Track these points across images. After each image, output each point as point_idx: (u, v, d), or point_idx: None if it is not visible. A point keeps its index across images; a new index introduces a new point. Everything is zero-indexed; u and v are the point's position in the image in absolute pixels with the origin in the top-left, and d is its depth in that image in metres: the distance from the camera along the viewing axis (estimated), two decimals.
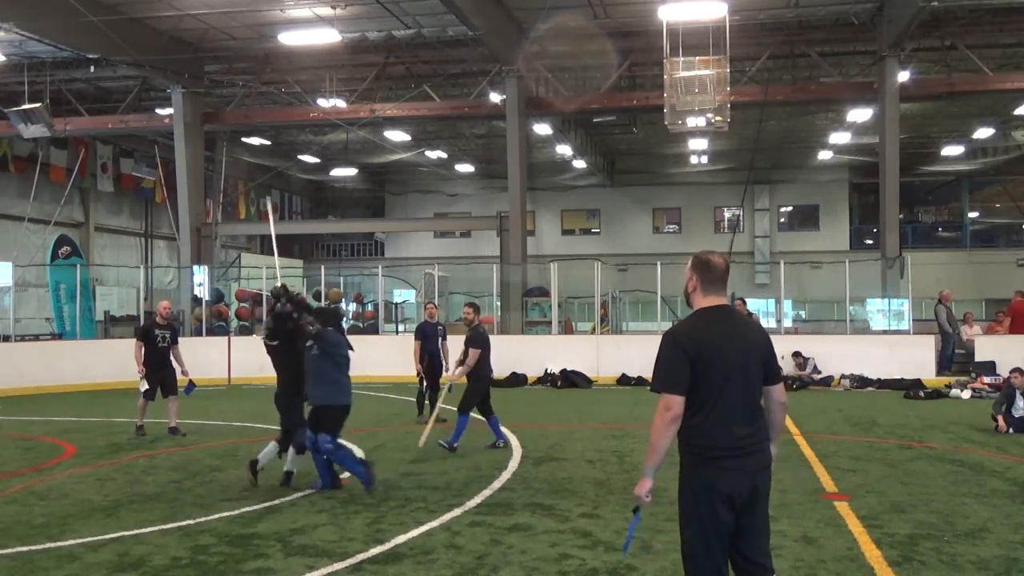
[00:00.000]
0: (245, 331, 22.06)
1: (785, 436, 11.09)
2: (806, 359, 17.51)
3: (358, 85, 23.60)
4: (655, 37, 18.24)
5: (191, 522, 6.77)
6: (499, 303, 21.62)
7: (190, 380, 11.45)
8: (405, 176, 40.06)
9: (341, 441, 7.89)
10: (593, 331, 22.71)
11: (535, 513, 6.99)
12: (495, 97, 23.13)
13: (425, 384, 12.31)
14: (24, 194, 24.93)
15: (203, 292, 22.76)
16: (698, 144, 30.61)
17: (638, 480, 3.79)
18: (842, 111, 26.40)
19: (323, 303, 22.38)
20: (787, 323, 22.13)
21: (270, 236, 10.20)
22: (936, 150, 32.88)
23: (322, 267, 23.65)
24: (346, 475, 8.58)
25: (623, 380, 18.28)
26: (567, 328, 23.16)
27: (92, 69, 21.97)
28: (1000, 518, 6.78)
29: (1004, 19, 20.23)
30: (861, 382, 17.20)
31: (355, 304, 24.80)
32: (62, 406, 14.79)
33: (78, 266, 22.25)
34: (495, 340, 20.01)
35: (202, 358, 19.30)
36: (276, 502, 7.45)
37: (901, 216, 25.98)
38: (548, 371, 18.35)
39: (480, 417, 10.16)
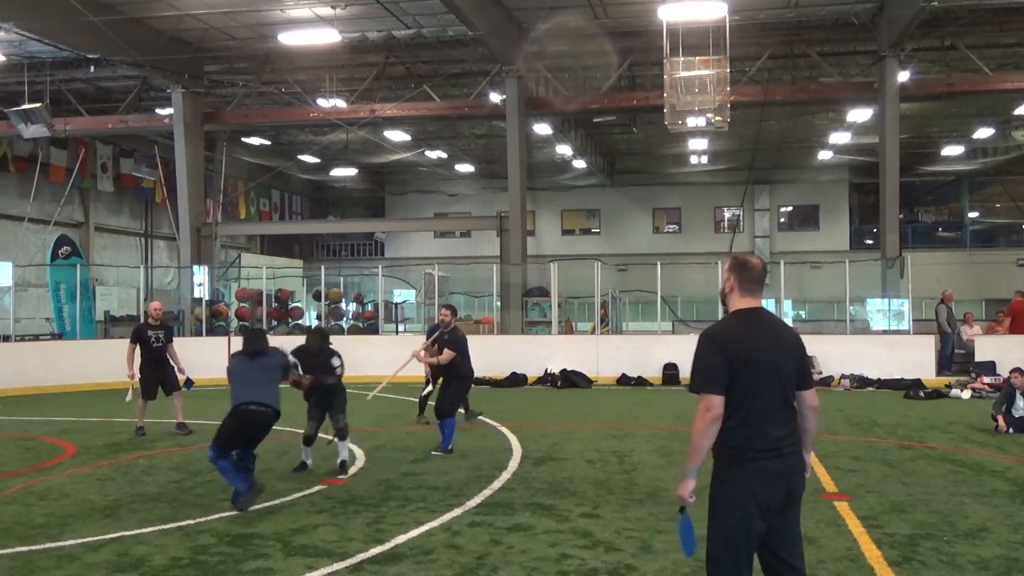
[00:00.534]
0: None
1: None
2: (809, 357, 17.52)
3: (358, 85, 23.60)
4: (655, 37, 18.24)
5: (191, 522, 6.77)
6: (499, 303, 21.62)
7: (187, 377, 11.61)
8: (405, 176, 40.07)
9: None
10: (593, 331, 22.71)
11: (535, 513, 6.99)
12: (495, 97, 23.13)
13: (432, 386, 12.28)
14: (24, 194, 24.93)
15: (203, 292, 22.77)
16: (698, 144, 30.61)
17: (680, 481, 3.82)
18: (842, 111, 26.41)
19: (323, 303, 22.43)
20: (787, 323, 22.08)
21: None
22: (936, 150, 32.89)
23: (322, 267, 23.64)
24: (345, 475, 8.60)
25: (623, 380, 18.28)
26: (567, 328, 23.16)
27: (92, 69, 21.97)
28: (1000, 518, 6.78)
29: (1004, 19, 20.23)
30: (861, 382, 17.20)
31: (355, 304, 24.80)
32: (62, 406, 14.78)
33: (78, 266, 22.24)
34: (495, 340, 20.26)
35: (202, 358, 19.37)
36: (276, 502, 7.45)
37: (901, 216, 25.99)
38: (548, 371, 18.35)
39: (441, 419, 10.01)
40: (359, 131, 26.08)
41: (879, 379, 17.15)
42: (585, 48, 21.47)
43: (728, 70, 16.21)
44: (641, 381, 18.18)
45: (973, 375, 16.79)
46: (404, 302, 27.94)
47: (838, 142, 30.22)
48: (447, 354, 9.87)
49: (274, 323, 22.30)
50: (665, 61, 16.26)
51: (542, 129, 25.99)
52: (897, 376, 17.00)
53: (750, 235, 38.07)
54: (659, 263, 20.17)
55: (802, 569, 3.80)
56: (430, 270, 22.65)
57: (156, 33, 20.71)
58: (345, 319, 24.05)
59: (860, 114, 24.38)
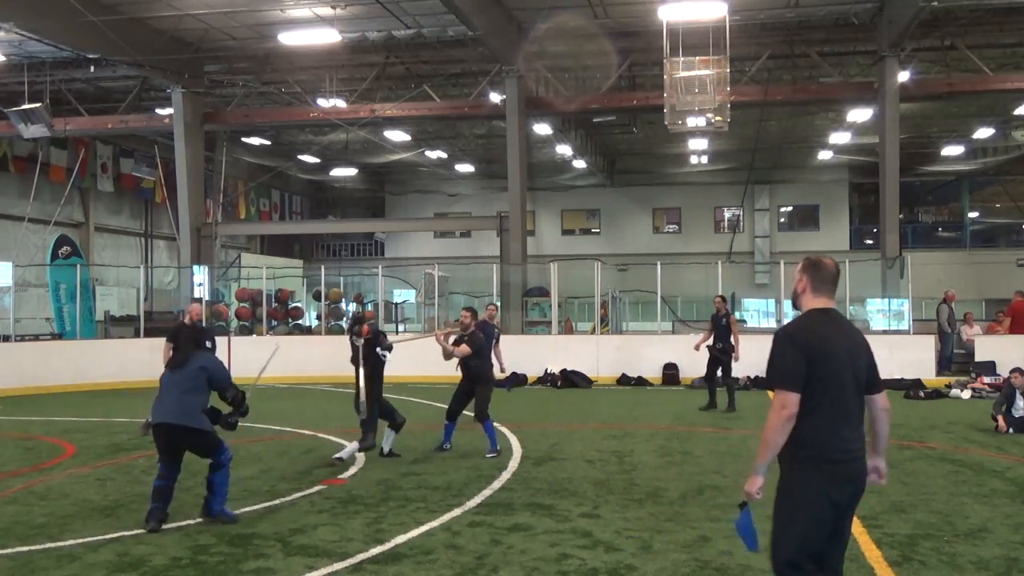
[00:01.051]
0: (245, 331, 22.07)
1: None
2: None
3: (358, 85, 23.60)
4: (655, 37, 18.24)
5: (191, 522, 6.77)
6: (499, 303, 21.59)
7: None
8: (405, 176, 40.06)
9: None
10: (593, 331, 22.71)
11: (535, 513, 6.99)
12: (495, 97, 23.13)
13: None
14: (24, 194, 24.93)
15: (203, 292, 22.76)
16: (698, 144, 30.61)
17: (748, 477, 3.80)
18: (842, 111, 26.41)
19: (323, 303, 22.43)
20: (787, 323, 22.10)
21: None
22: (936, 150, 32.89)
23: (322, 267, 23.64)
24: (346, 475, 8.59)
25: (623, 380, 18.28)
26: (567, 328, 23.16)
27: (92, 69, 21.97)
28: (1000, 518, 6.78)
29: (1004, 19, 20.23)
30: None
31: (355, 304, 24.80)
32: (62, 406, 14.78)
33: (78, 266, 22.23)
34: None
35: None
36: (276, 502, 7.45)
37: (901, 216, 25.99)
38: (548, 371, 18.36)
39: (444, 420, 10.05)
40: (359, 131, 26.08)
41: None
42: (585, 48, 21.47)
43: (728, 70, 16.22)
44: (641, 381, 18.19)
45: (973, 375, 16.79)
46: (404, 302, 27.94)
47: (838, 142, 30.21)
48: (463, 348, 9.85)
49: (274, 323, 22.30)
50: (665, 61, 16.27)
51: (542, 129, 25.99)
52: (897, 376, 16.99)
53: (750, 235, 38.07)
54: (659, 263, 20.19)
55: (842, 573, 3.80)
56: (430, 270, 22.65)
57: (156, 33, 20.71)
58: (345, 319, 24.04)
59: (860, 114, 24.37)
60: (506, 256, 22.69)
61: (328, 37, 19.05)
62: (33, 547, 6.14)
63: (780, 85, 22.63)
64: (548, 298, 21.32)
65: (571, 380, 17.83)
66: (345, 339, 9.98)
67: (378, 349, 9.49)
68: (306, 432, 11.35)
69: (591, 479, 8.36)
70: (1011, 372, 11.50)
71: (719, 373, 13.74)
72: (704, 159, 33.78)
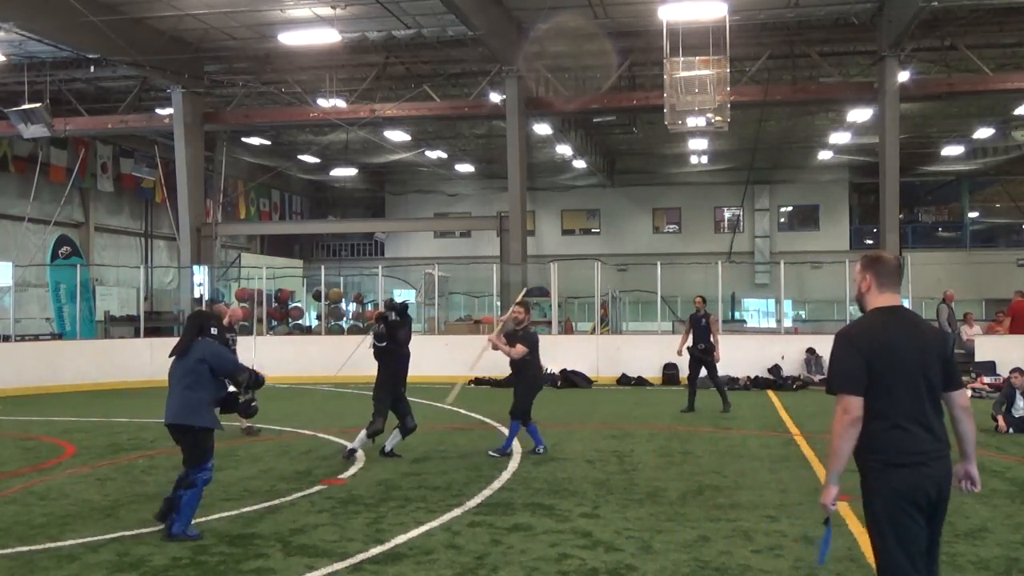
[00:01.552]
0: (245, 331, 22.04)
1: (785, 436, 11.10)
2: (818, 356, 17.53)
3: (358, 85, 23.60)
4: (655, 37, 18.24)
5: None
6: (499, 303, 21.61)
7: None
8: (405, 176, 40.06)
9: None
10: (593, 331, 22.71)
11: (535, 513, 6.99)
12: (495, 97, 23.13)
13: None
14: (24, 194, 24.92)
15: (203, 292, 22.77)
16: (698, 144, 30.60)
17: (823, 489, 3.69)
18: (842, 111, 26.40)
19: (323, 303, 22.43)
20: (787, 323, 22.14)
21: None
22: (936, 150, 32.88)
23: (322, 267, 23.64)
24: (346, 475, 8.59)
25: (623, 380, 18.28)
26: (567, 328, 23.16)
27: (92, 69, 21.96)
28: (1000, 518, 6.78)
29: (1004, 19, 20.22)
30: None
31: (355, 304, 24.81)
32: (62, 406, 14.78)
33: (78, 266, 22.25)
34: None
35: None
36: (276, 502, 7.45)
37: (901, 216, 25.99)
38: (548, 371, 18.32)
39: (488, 420, 10.05)
40: (359, 131, 26.07)
41: None
42: (585, 48, 21.46)
43: (728, 70, 16.21)
44: (641, 381, 18.19)
45: (973, 375, 16.78)
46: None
47: (838, 142, 30.20)
48: (519, 348, 9.74)
49: (274, 323, 22.30)
50: (665, 61, 16.26)
51: (542, 129, 25.99)
52: None
53: (750, 235, 38.07)
54: (659, 263, 20.18)
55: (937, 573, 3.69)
56: (430, 270, 22.66)
57: (156, 33, 20.71)
58: (345, 319, 24.06)
59: (860, 114, 24.37)
60: (506, 256, 22.69)
61: (328, 37, 19.04)
62: (33, 547, 6.14)
63: (780, 85, 22.63)
64: (548, 298, 21.32)
65: (571, 380, 17.82)
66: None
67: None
68: (306, 432, 11.35)
69: (591, 479, 8.36)
70: (1011, 372, 11.50)
71: (702, 374, 13.52)
72: (704, 159, 33.77)
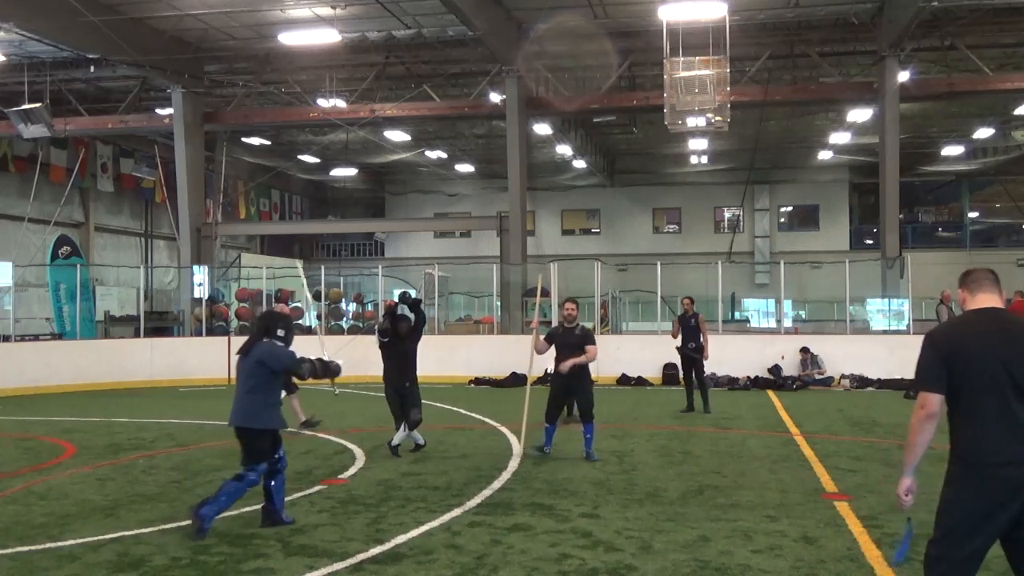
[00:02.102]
0: (245, 331, 22.05)
1: (785, 436, 11.11)
2: (814, 355, 17.53)
3: (358, 85, 23.60)
4: (655, 37, 18.25)
5: (191, 522, 6.75)
6: (499, 303, 21.62)
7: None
8: (405, 176, 40.07)
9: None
10: (593, 331, 22.68)
11: (535, 513, 6.99)
12: (495, 97, 23.13)
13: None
14: (24, 194, 24.93)
15: (203, 292, 22.77)
16: (698, 144, 30.61)
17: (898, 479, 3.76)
18: (842, 111, 26.42)
19: (323, 303, 22.41)
20: (787, 323, 22.15)
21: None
22: (936, 150, 32.89)
23: (322, 267, 23.63)
24: (346, 475, 8.59)
25: (623, 380, 18.27)
26: None
27: (92, 69, 21.96)
28: None
29: (1004, 19, 20.24)
30: (861, 382, 17.21)
31: (355, 304, 24.79)
32: (62, 406, 14.78)
33: (78, 266, 22.24)
34: (495, 340, 20.22)
35: (202, 358, 19.40)
36: None
37: (901, 216, 25.99)
38: (548, 371, 18.30)
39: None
40: (359, 131, 26.08)
41: (879, 379, 17.17)
42: (585, 48, 21.47)
43: (728, 70, 16.21)
44: (641, 381, 18.19)
45: None
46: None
47: (838, 142, 30.22)
48: (593, 350, 9.58)
49: None
50: (665, 61, 16.26)
51: (542, 129, 25.99)
52: (897, 376, 17.00)
53: (750, 235, 38.08)
54: (659, 263, 20.18)
55: None
56: (430, 270, 22.65)
57: (156, 33, 20.71)
58: (345, 319, 24.04)
59: (860, 114, 24.38)
60: (506, 256, 22.69)
61: (328, 37, 19.05)
62: (33, 547, 6.14)
63: (780, 85, 22.63)
64: (548, 298, 21.31)
65: None
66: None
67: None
68: (306, 432, 11.35)
69: (591, 479, 8.35)
70: None
71: (694, 374, 13.55)
72: (704, 159, 33.79)
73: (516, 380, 18.08)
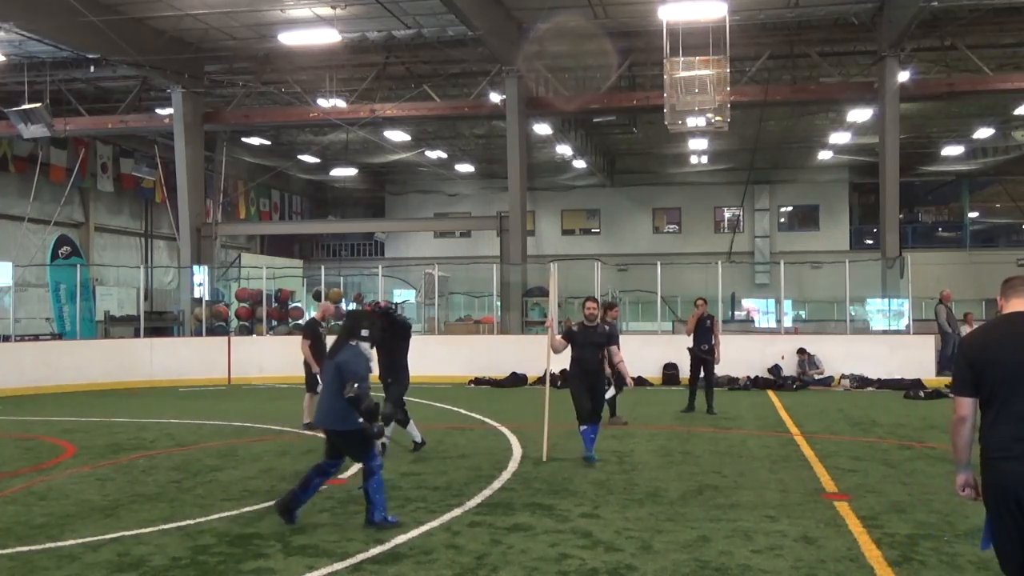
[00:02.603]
0: (245, 331, 22.06)
1: (785, 436, 11.11)
2: (811, 356, 17.53)
3: (358, 85, 23.60)
4: (655, 37, 18.25)
5: (191, 522, 6.76)
6: (499, 303, 21.61)
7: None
8: (405, 176, 40.08)
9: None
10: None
11: (535, 513, 6.99)
12: (495, 97, 23.13)
13: (615, 390, 12.11)
14: (24, 194, 24.93)
15: (203, 292, 22.77)
16: (698, 144, 30.61)
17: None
18: (842, 111, 26.41)
19: (323, 303, 22.39)
20: (787, 323, 22.14)
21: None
22: (936, 150, 32.90)
23: (322, 267, 23.64)
24: (345, 475, 8.59)
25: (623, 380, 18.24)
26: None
27: (92, 69, 21.97)
28: None
29: (1004, 19, 20.24)
30: (861, 382, 17.21)
31: (355, 304, 24.78)
32: (62, 406, 14.79)
33: (78, 266, 22.25)
34: (495, 340, 20.22)
35: (202, 358, 19.40)
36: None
37: (901, 216, 25.99)
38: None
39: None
40: (359, 131, 26.08)
41: (879, 379, 17.16)
42: (585, 48, 21.47)
43: (728, 70, 16.20)
44: (641, 381, 18.16)
45: None
46: (404, 302, 27.92)
47: (838, 142, 30.21)
48: (619, 354, 9.71)
49: (274, 323, 22.30)
50: (665, 61, 16.26)
51: (542, 129, 25.99)
52: (897, 376, 17.00)
53: (750, 235, 38.08)
54: (659, 263, 20.18)
55: None
56: (430, 270, 22.65)
57: (156, 33, 20.71)
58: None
59: (860, 114, 24.37)
60: (506, 256, 22.69)
61: (328, 37, 19.05)
62: (33, 547, 6.14)
63: (780, 85, 22.64)
64: (548, 298, 21.31)
65: None
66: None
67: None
68: (306, 432, 11.35)
69: (591, 479, 8.35)
70: None
71: (702, 375, 13.57)
72: (704, 159, 33.78)
73: (516, 380, 18.10)
